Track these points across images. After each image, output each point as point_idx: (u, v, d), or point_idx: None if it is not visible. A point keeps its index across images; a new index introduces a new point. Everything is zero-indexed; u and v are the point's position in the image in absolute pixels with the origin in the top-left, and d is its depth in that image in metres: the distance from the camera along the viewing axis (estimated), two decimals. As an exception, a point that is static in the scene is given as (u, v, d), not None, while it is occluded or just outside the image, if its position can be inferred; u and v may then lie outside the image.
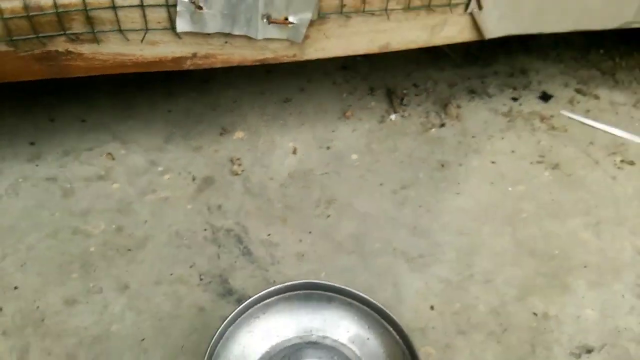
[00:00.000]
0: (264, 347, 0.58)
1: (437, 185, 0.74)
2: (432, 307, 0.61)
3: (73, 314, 0.59)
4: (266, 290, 0.58)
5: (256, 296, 0.57)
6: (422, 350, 0.57)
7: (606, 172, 0.75)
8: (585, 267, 0.65)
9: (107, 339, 0.57)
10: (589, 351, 0.58)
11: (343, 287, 0.58)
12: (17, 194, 0.70)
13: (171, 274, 0.63)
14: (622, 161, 0.77)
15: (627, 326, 0.60)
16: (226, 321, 0.55)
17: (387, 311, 0.56)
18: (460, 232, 0.68)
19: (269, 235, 0.68)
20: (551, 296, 0.62)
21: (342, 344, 0.58)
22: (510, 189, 0.74)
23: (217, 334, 0.54)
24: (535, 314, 0.61)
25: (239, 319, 0.57)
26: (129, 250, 0.65)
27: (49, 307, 0.60)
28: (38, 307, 0.59)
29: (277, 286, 0.58)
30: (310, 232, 0.68)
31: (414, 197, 0.72)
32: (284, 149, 0.78)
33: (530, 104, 0.86)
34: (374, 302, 0.57)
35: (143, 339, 0.58)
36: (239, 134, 0.79)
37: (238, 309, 0.56)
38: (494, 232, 0.69)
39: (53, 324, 0.58)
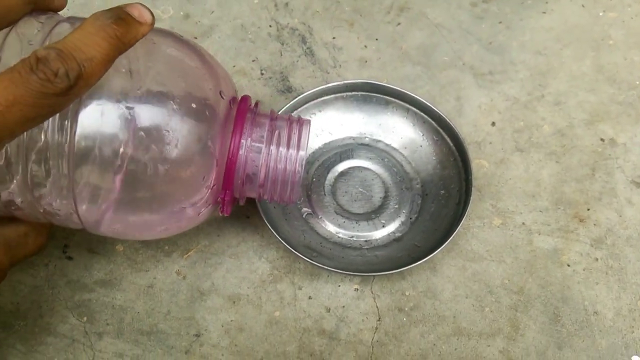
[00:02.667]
0: (317, 143, 0.59)
1: (523, 1, 0.68)
2: (493, 123, 0.59)
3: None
4: (324, 86, 0.57)
5: (314, 90, 0.57)
6: (475, 162, 0.56)
7: None
8: (668, 103, 0.60)
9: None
10: (653, 182, 0.55)
11: (404, 90, 0.57)
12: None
13: (234, 66, 0.63)
14: None
15: (701, 164, 0.56)
16: (283, 110, 0.55)
17: (446, 118, 0.55)
18: (539, 52, 0.64)
19: (333, 38, 0.66)
20: (623, 124, 0.58)
21: (394, 149, 0.58)
22: (601, 13, 0.67)
23: (272, 120, 0.55)
24: (602, 139, 0.58)
25: (295, 112, 0.57)
26: (195, 37, 0.65)
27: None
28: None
29: (336, 83, 0.57)
30: (376, 39, 0.65)
31: (495, 12, 0.67)
32: (359, -51, 0.72)
33: None
34: (434, 108, 0.56)
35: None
36: None
37: (295, 99, 0.56)
38: (574, 55, 0.63)
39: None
